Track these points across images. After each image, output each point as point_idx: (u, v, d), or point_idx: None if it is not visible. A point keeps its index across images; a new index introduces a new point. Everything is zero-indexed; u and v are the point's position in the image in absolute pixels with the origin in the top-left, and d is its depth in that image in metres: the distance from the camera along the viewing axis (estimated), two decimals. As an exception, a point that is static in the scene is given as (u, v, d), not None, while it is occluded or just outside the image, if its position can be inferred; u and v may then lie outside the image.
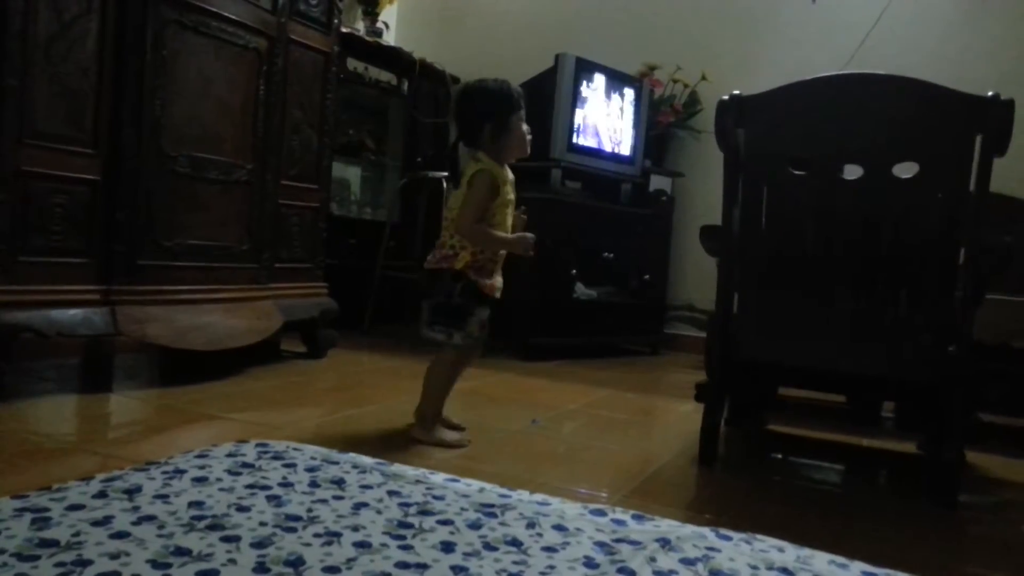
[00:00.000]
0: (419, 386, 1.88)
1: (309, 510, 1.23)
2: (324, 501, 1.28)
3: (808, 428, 2.39)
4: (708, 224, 2.00)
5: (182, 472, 1.35)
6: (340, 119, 3.48)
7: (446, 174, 3.77)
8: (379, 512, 1.25)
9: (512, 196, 1.88)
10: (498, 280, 1.88)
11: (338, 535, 1.14)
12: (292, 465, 1.45)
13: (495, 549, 1.14)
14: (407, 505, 1.29)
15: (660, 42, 3.99)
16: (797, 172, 1.78)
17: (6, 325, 1.87)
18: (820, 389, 2.36)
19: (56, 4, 1.94)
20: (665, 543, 1.21)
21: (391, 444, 1.83)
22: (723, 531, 1.29)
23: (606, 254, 3.65)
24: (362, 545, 1.11)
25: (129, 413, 2.03)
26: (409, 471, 1.48)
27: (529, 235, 1.88)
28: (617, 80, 3.68)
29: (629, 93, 3.74)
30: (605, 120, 3.64)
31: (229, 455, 1.48)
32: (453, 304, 1.83)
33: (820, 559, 1.22)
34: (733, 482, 1.88)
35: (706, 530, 1.29)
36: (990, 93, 1.61)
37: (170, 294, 2.27)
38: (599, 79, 3.58)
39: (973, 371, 1.73)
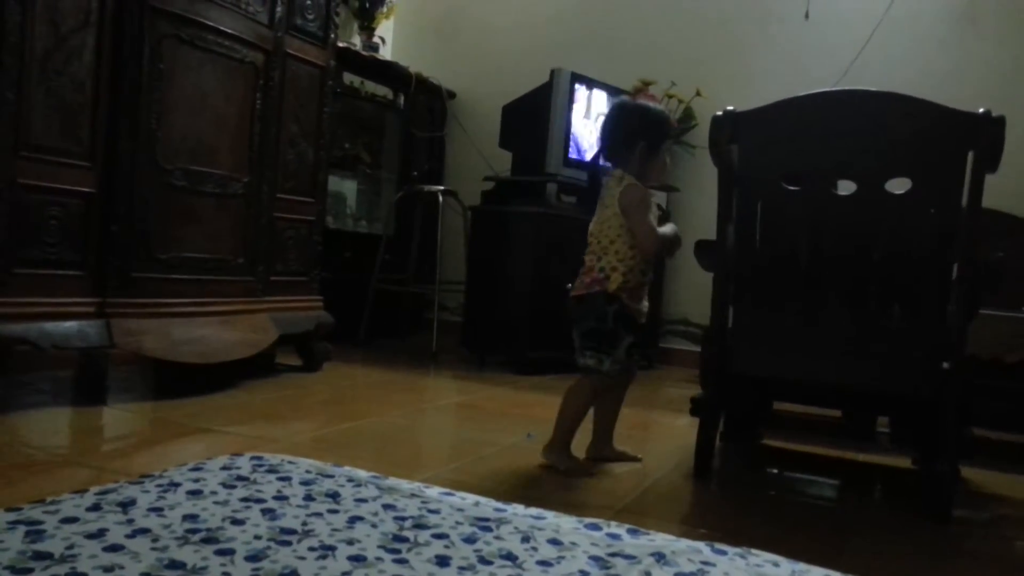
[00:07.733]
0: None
1: (304, 523, 1.23)
2: (319, 515, 1.27)
3: (803, 443, 2.39)
4: (703, 239, 2.01)
5: (176, 485, 1.35)
6: (336, 133, 3.49)
7: (442, 188, 3.79)
8: (374, 526, 1.25)
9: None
10: (645, 304, 1.86)
11: (333, 549, 1.14)
12: (287, 478, 1.45)
13: (490, 563, 1.14)
14: (402, 519, 1.29)
15: (655, 58, 4.02)
16: (791, 188, 1.80)
17: (1, 337, 1.86)
18: (815, 404, 2.36)
19: (53, 17, 1.94)
20: (660, 557, 1.21)
21: (386, 457, 1.82)
22: (718, 546, 1.29)
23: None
24: (357, 559, 1.11)
25: (123, 426, 2.02)
26: (404, 485, 1.47)
27: (671, 226, 1.87)
28: (612, 95, 3.70)
29: (624, 108, 3.75)
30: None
31: (224, 468, 1.47)
32: (606, 329, 1.78)
33: (815, 574, 1.22)
34: (728, 496, 1.88)
35: (701, 544, 1.29)
36: (982, 110, 1.63)
37: (165, 307, 2.26)
38: (594, 94, 3.60)
39: (967, 386, 1.74)
